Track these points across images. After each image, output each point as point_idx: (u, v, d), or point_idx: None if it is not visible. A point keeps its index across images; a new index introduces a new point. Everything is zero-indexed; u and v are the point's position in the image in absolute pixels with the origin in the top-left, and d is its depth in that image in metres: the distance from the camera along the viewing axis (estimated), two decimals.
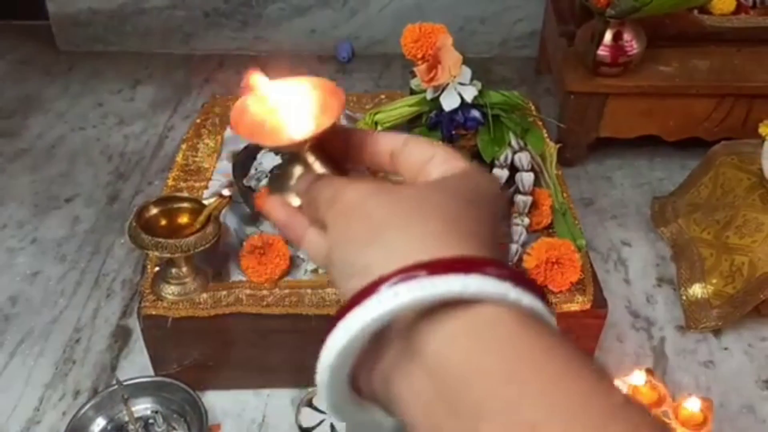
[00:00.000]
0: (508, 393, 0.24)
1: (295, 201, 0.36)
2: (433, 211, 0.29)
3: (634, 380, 1.00)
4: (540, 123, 1.24)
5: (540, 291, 0.27)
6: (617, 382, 0.99)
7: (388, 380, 0.28)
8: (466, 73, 1.01)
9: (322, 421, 0.99)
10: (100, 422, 1.04)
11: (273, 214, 0.36)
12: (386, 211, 0.29)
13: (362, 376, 0.29)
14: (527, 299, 0.26)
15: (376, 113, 1.05)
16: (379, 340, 0.28)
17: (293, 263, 1.05)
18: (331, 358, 0.27)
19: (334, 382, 0.28)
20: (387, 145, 0.35)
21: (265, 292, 1.01)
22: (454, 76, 0.99)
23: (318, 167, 0.36)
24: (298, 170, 0.36)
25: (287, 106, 0.36)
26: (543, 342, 0.25)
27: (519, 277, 0.26)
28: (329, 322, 0.27)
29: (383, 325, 0.26)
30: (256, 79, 0.35)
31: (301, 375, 1.08)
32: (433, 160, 0.33)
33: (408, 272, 0.26)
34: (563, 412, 0.23)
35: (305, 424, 0.99)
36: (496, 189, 0.33)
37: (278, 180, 0.37)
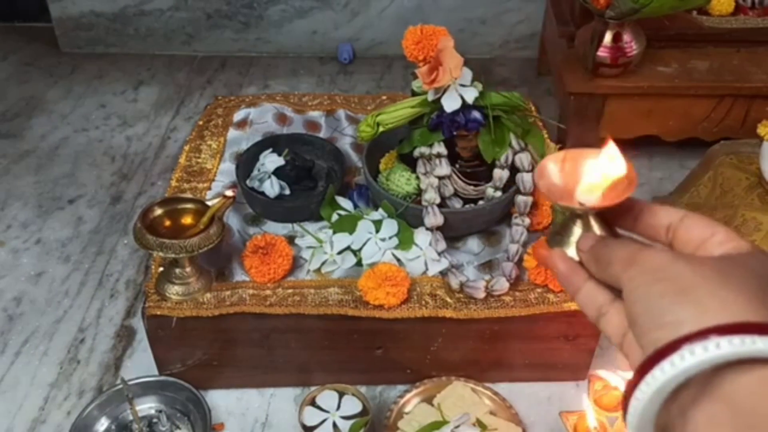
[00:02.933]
0: None
1: (575, 255, 0.41)
2: (736, 280, 0.33)
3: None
4: (540, 124, 1.25)
5: None
6: (616, 378, 1.00)
7: (686, 417, 0.32)
8: (467, 74, 1.02)
9: (324, 420, 1.00)
10: (105, 421, 1.05)
11: (556, 266, 0.41)
12: (694, 275, 0.33)
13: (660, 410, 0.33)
14: None
15: (378, 114, 1.06)
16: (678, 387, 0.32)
17: (296, 263, 1.06)
18: (649, 393, 0.32)
19: (645, 414, 0.33)
20: (665, 218, 0.39)
21: (268, 292, 1.02)
22: (455, 78, 1.00)
23: (597, 229, 0.41)
24: (578, 228, 0.41)
25: (585, 172, 0.41)
26: None
27: None
28: (638, 369, 0.33)
29: (691, 376, 0.31)
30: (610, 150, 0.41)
31: (304, 374, 1.09)
32: (714, 238, 0.36)
33: (719, 331, 0.30)
34: None
35: (308, 423, 1.00)
36: None
37: (559, 234, 0.42)
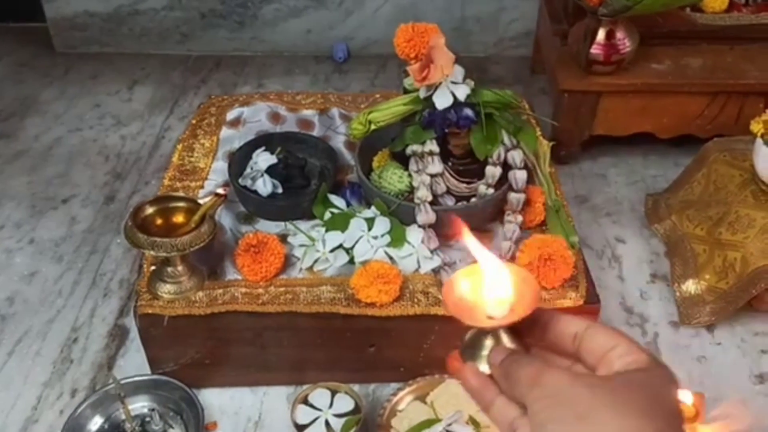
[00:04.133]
0: None
1: (486, 369, 0.42)
2: (633, 404, 0.34)
3: None
4: (533, 121, 1.25)
5: None
6: None
7: None
8: (459, 72, 1.02)
9: (317, 418, 1.00)
10: (98, 421, 1.05)
11: (467, 381, 0.42)
12: (593, 400, 0.35)
13: None
14: None
15: (370, 112, 1.06)
16: None
17: (288, 262, 1.05)
18: None
19: None
20: (571, 328, 0.40)
21: (260, 290, 1.02)
22: (447, 75, 1.00)
23: (507, 341, 0.42)
24: (489, 341, 0.42)
25: (488, 286, 0.41)
26: None
27: None
28: None
29: None
30: (474, 249, 0.42)
31: (297, 372, 1.09)
32: (615, 350, 0.38)
33: None
34: None
35: (301, 421, 1.00)
36: (675, 382, 0.37)
37: (470, 348, 0.43)
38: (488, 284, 0.42)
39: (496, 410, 0.40)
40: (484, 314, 0.41)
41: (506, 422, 0.40)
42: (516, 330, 0.42)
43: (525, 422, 0.39)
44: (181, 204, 1.01)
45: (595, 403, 0.35)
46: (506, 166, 1.06)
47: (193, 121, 1.33)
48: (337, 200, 1.13)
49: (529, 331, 0.42)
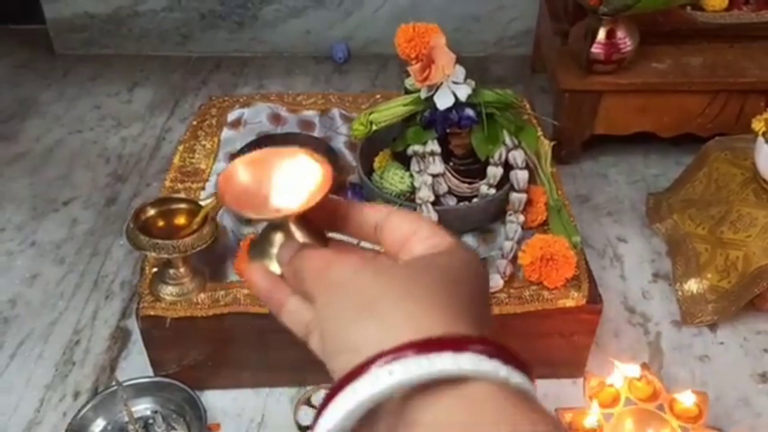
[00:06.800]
0: None
1: (277, 268, 0.36)
2: (424, 289, 0.30)
3: (629, 373, 1.01)
4: (534, 121, 1.25)
5: (525, 366, 0.28)
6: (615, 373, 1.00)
7: None
8: (460, 72, 1.02)
9: None
10: (100, 423, 1.04)
11: (254, 283, 0.36)
12: (376, 287, 0.30)
13: None
14: (515, 377, 0.28)
15: (371, 113, 1.06)
16: (370, 414, 0.28)
17: None
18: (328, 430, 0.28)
19: None
20: (372, 216, 0.36)
21: None
22: (448, 75, 1.00)
23: (300, 236, 0.36)
24: (279, 237, 0.36)
25: (274, 175, 0.36)
26: (530, 416, 0.27)
27: (507, 354, 0.28)
28: (324, 398, 0.28)
29: (379, 402, 0.27)
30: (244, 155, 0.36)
31: (299, 374, 1.09)
32: (416, 235, 0.33)
33: (402, 351, 0.27)
34: None
35: (304, 423, 1.00)
36: (481, 267, 0.33)
37: (259, 246, 0.37)
38: (273, 172, 0.36)
39: (288, 313, 0.36)
40: (271, 206, 0.35)
41: (301, 324, 0.35)
42: (311, 225, 0.37)
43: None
44: (182, 206, 1.01)
45: (380, 290, 0.30)
46: (508, 166, 1.06)
47: (194, 123, 1.33)
48: None
49: (328, 225, 0.37)
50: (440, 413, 0.27)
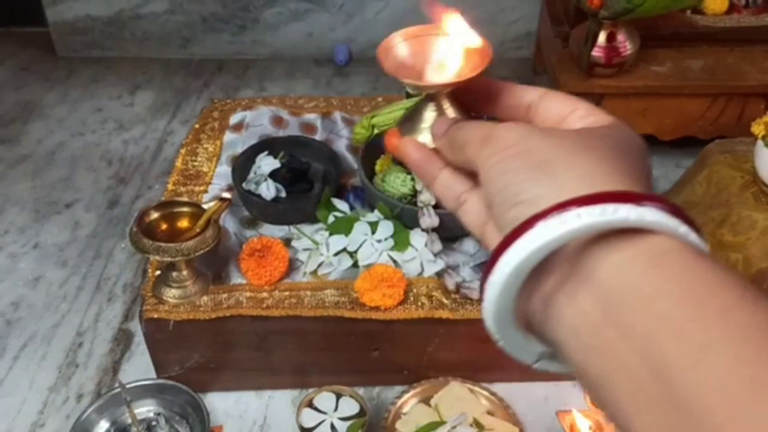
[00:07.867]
0: (683, 314, 0.24)
1: (429, 142, 0.37)
2: (596, 151, 0.30)
3: None
4: None
5: (699, 229, 0.28)
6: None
7: (550, 302, 0.29)
8: None
9: (322, 422, 1.00)
10: (104, 425, 1.05)
11: (409, 155, 0.37)
12: (547, 149, 0.30)
13: (521, 299, 0.30)
14: (692, 235, 0.27)
15: (372, 116, 1.06)
16: (542, 265, 0.28)
17: (292, 266, 1.06)
18: (505, 274, 0.28)
19: (503, 300, 0.29)
20: (525, 97, 0.36)
21: (264, 294, 1.02)
22: None
23: (451, 112, 0.37)
24: (430, 114, 0.37)
25: (430, 51, 0.37)
26: (715, 272, 0.26)
27: (684, 214, 0.28)
28: (501, 243, 0.28)
29: (561, 245, 0.27)
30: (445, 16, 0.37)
31: (302, 376, 1.09)
32: (575, 113, 0.34)
33: (585, 200, 0.27)
34: (738, 336, 0.23)
35: (306, 425, 1.00)
36: (642, 142, 0.33)
37: (410, 121, 0.38)
38: (430, 48, 0.37)
39: (441, 183, 0.36)
40: (426, 78, 0.37)
41: (453, 196, 0.36)
42: (461, 101, 0.38)
43: (474, 196, 0.35)
44: (185, 209, 1.02)
45: (552, 152, 0.30)
46: None
47: (196, 126, 1.34)
48: (341, 204, 1.13)
49: (477, 104, 0.38)
50: (618, 265, 0.27)
